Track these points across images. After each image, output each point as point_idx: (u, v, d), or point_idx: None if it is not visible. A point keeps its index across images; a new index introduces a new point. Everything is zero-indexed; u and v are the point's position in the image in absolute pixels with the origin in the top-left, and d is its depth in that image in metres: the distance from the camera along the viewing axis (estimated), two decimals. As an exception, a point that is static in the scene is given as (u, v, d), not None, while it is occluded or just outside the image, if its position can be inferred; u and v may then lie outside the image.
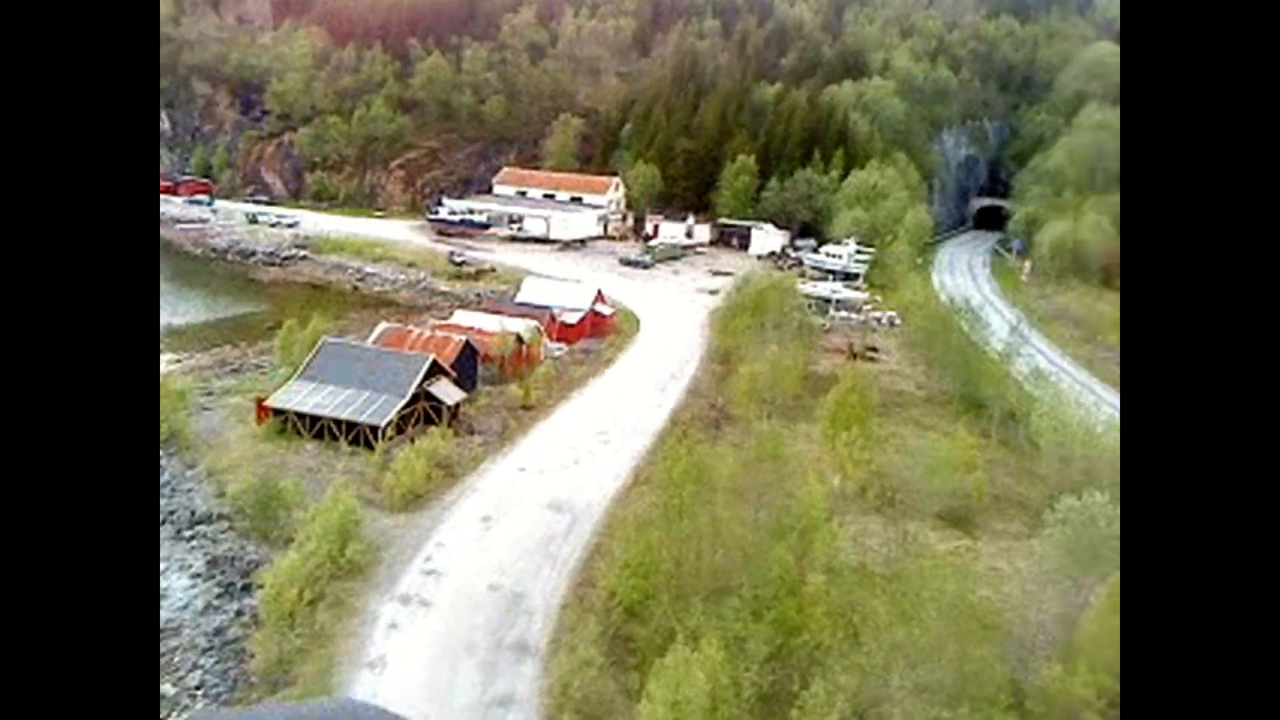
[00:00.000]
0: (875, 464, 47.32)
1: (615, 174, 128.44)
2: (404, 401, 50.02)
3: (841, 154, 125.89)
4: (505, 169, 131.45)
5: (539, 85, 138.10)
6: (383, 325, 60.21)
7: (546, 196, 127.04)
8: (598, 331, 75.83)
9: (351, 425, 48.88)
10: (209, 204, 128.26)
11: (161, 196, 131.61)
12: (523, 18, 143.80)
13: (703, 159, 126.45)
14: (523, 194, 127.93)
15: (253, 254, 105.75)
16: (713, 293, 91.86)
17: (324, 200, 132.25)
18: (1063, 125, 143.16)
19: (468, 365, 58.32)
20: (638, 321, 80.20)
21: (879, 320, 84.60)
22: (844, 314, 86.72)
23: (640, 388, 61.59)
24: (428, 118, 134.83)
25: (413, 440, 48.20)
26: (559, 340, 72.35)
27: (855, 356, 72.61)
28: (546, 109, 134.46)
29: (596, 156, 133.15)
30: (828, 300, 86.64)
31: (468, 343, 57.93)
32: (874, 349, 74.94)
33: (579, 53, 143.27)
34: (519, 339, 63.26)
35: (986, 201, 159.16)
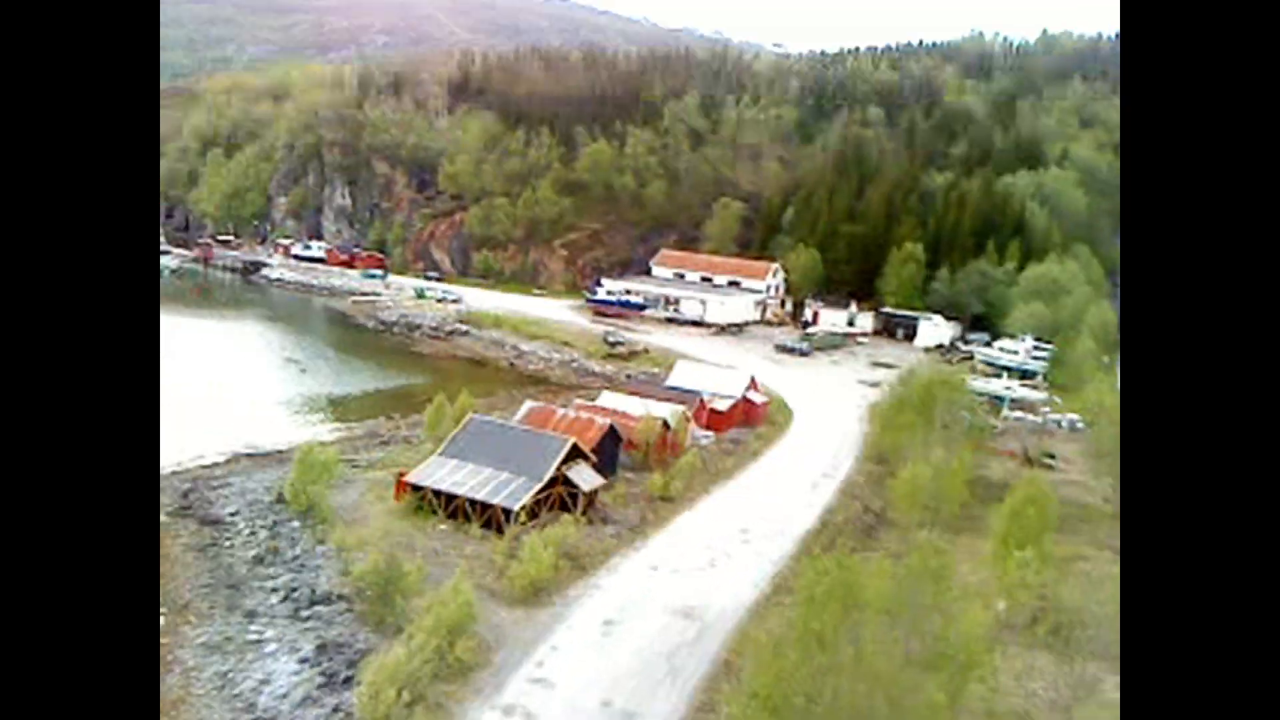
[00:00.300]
0: (1050, 590, 41.46)
1: (775, 259, 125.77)
2: (540, 485, 47.83)
3: (1018, 245, 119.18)
4: (663, 250, 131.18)
5: (700, 170, 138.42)
6: (529, 404, 58.76)
7: (704, 280, 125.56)
8: (749, 420, 72.28)
9: (485, 506, 46.97)
10: (383, 278, 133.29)
11: (338, 269, 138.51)
12: (685, 105, 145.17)
13: (867, 245, 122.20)
14: (680, 276, 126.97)
15: (418, 327, 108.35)
16: (874, 385, 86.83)
17: (489, 277, 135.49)
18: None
19: (609, 450, 55.87)
20: (791, 412, 76.18)
21: (1059, 423, 77.32)
22: (1019, 415, 79.86)
23: (789, 484, 57.43)
24: (591, 200, 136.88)
25: (544, 526, 45.81)
26: (708, 428, 69.21)
27: (1031, 463, 66.03)
28: (707, 194, 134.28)
29: (756, 241, 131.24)
30: (1001, 399, 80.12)
31: (611, 427, 55.57)
32: (1052, 455, 68.01)
33: (740, 139, 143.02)
34: (665, 425, 60.48)
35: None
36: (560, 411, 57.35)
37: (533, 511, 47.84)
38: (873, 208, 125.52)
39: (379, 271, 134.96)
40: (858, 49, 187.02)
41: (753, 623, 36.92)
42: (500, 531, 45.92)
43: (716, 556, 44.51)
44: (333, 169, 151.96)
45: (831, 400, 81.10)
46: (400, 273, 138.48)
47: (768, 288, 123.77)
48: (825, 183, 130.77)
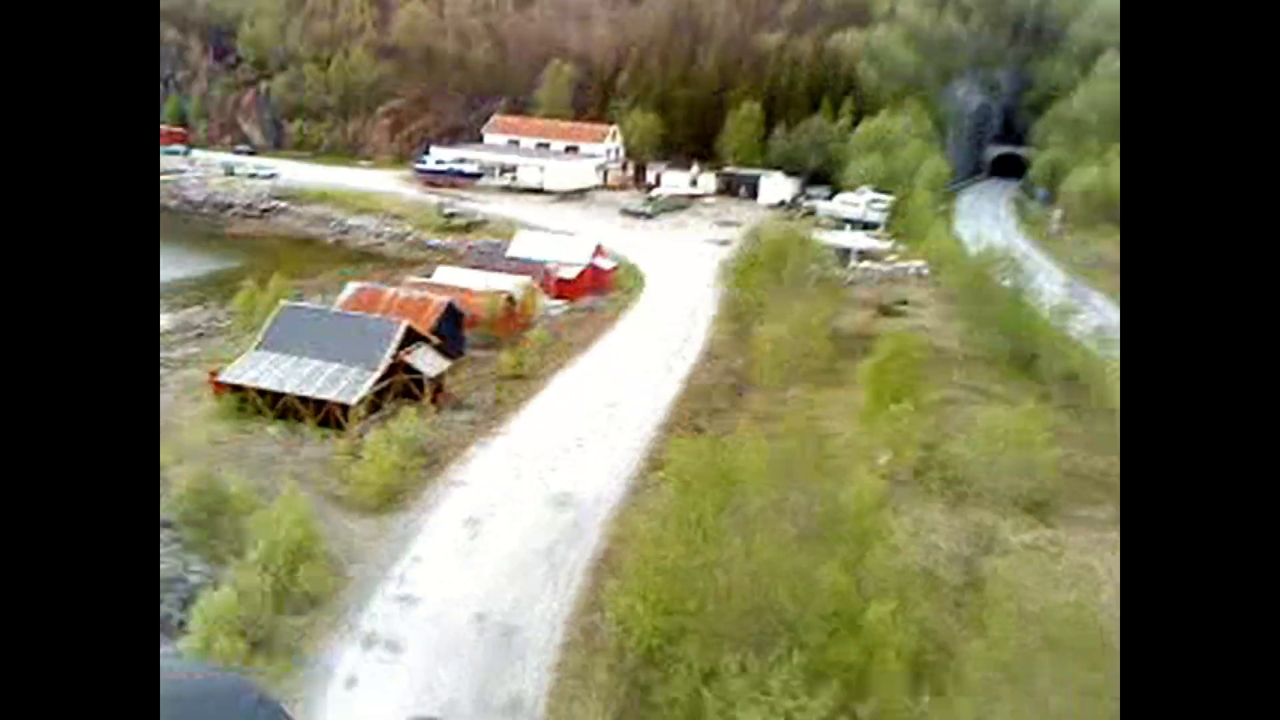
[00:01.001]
0: (928, 439, 40.26)
1: (612, 123, 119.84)
2: (377, 374, 42.66)
3: (851, 103, 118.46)
4: (496, 116, 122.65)
5: (526, 32, 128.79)
6: (353, 285, 52.63)
7: (540, 146, 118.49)
8: (599, 287, 68.29)
9: (319, 403, 41.56)
10: (185, 153, 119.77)
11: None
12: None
13: (704, 107, 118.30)
14: (515, 143, 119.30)
15: (229, 206, 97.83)
16: (722, 244, 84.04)
17: (307, 150, 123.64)
18: (1079, 75, 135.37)
19: (451, 330, 50.85)
20: (642, 277, 72.57)
21: (905, 271, 76.88)
22: (866, 265, 79.13)
23: (648, 351, 54.19)
24: (411, 66, 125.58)
25: (389, 419, 41.04)
26: (557, 298, 64.86)
27: (885, 311, 65.23)
28: (536, 57, 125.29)
29: (592, 106, 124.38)
30: (848, 251, 78.93)
31: (450, 305, 50.40)
32: (904, 302, 67.46)
33: (567, 0, 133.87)
34: (509, 299, 55.73)
35: (1003, 149, 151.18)
36: (391, 291, 51.56)
37: (374, 404, 42.80)
38: (708, 69, 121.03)
39: (180, 147, 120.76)
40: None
41: (631, 506, 33.82)
42: (340, 429, 40.85)
43: (583, 435, 40.96)
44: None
45: (681, 261, 77.91)
46: (206, 149, 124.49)
47: (607, 152, 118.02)
48: (658, 45, 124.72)
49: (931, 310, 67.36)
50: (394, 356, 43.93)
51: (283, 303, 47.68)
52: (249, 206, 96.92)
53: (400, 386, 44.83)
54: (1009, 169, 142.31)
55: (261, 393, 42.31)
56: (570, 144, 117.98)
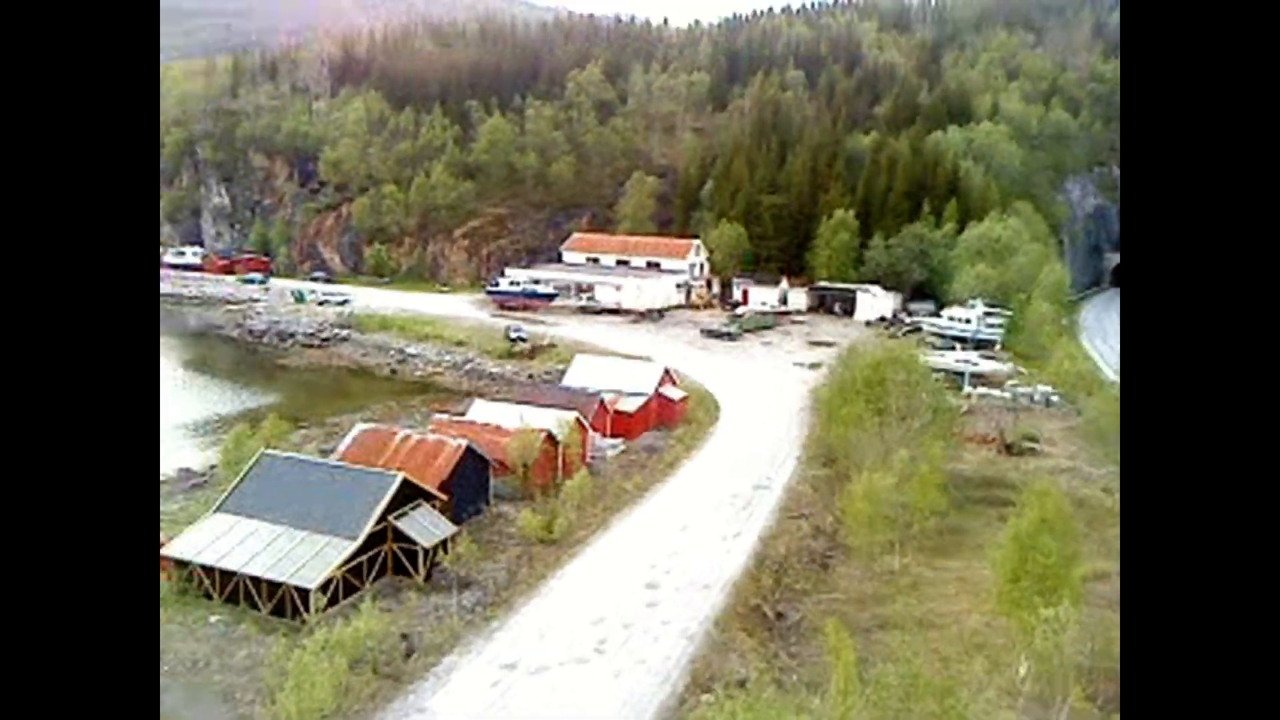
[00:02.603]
0: (1085, 638, 27.86)
1: (696, 236, 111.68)
2: (354, 546, 32.86)
3: (954, 206, 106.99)
4: (575, 235, 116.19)
5: (609, 145, 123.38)
6: (360, 427, 43.61)
7: (620, 263, 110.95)
8: (666, 420, 57.97)
9: (273, 585, 31.87)
10: (263, 282, 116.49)
11: (216, 277, 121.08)
12: (589, 75, 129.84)
13: (794, 216, 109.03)
14: (594, 261, 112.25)
15: (291, 336, 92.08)
16: (812, 367, 73.12)
17: (383, 275, 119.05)
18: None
19: (473, 479, 41.13)
20: (718, 407, 61.96)
21: (1030, 398, 64.23)
22: (983, 391, 66.69)
23: (714, 504, 43.09)
24: (491, 184, 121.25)
25: (368, 604, 31.04)
26: (614, 434, 54.70)
27: (1010, 450, 52.78)
28: (618, 170, 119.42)
29: (675, 219, 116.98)
30: (961, 374, 66.90)
31: (468, 449, 40.70)
32: (1033, 438, 54.80)
33: (651, 110, 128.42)
34: (549, 438, 45.76)
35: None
36: (402, 434, 42.22)
37: (348, 584, 32.87)
38: (796, 175, 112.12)
39: (258, 275, 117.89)
40: (771, 9, 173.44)
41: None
42: (300, 620, 30.96)
43: (607, 636, 29.89)
44: (207, 166, 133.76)
45: (765, 389, 67.12)
46: (288, 275, 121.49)
47: (690, 267, 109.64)
48: (744, 151, 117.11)
49: (1067, 448, 54.49)
50: (381, 520, 34.21)
51: (261, 451, 38.75)
52: (311, 335, 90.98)
53: (389, 559, 34.94)
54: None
55: (208, 569, 32.92)
56: (652, 259, 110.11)
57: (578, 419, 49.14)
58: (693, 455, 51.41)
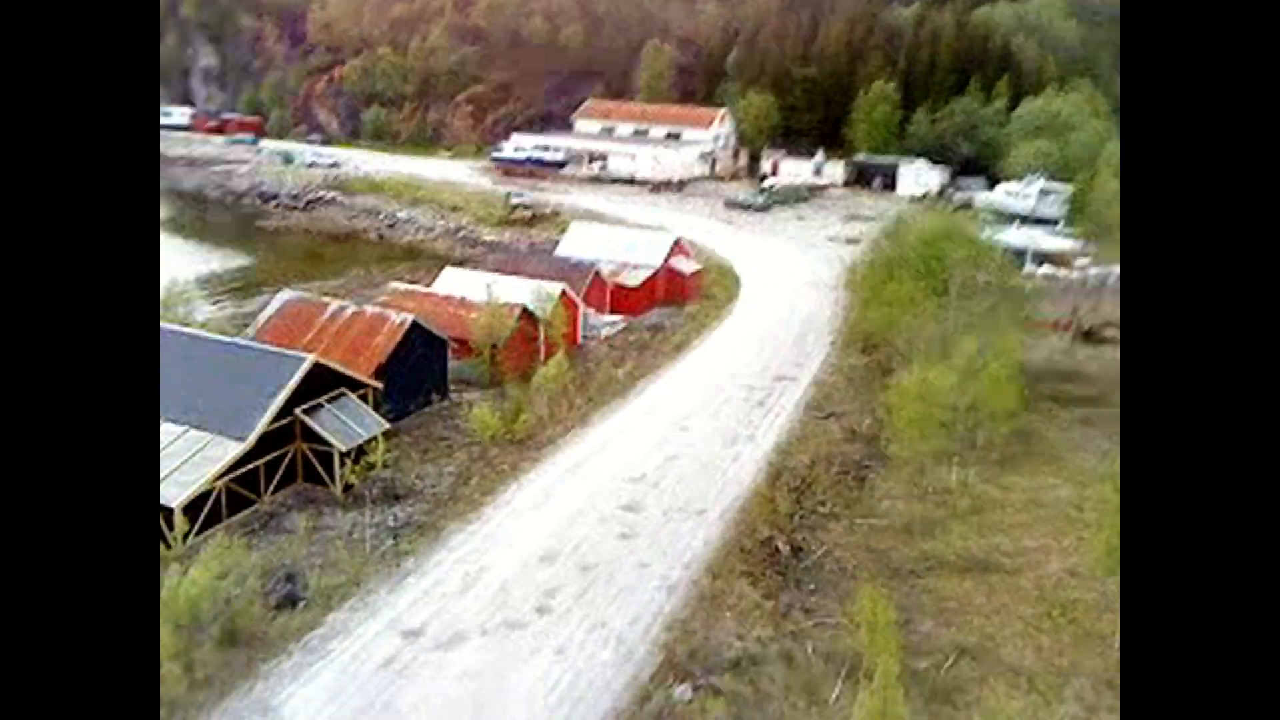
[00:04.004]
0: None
1: (722, 105, 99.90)
2: (241, 448, 24.53)
3: (1006, 83, 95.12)
4: (589, 102, 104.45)
5: (623, 12, 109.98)
6: (284, 296, 34.69)
7: (638, 133, 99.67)
8: (676, 297, 48.85)
9: (132, 493, 23.63)
10: (253, 143, 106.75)
11: (204, 137, 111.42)
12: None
13: (828, 90, 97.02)
14: (609, 131, 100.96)
15: (274, 197, 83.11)
16: (850, 242, 63.23)
17: (385, 140, 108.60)
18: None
19: (421, 364, 32.52)
20: (737, 283, 52.55)
21: (1105, 280, 54.00)
22: (1048, 271, 56.77)
23: (722, 399, 34.24)
24: (496, 49, 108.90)
25: (265, 524, 23.04)
26: (615, 311, 45.80)
27: (1089, 337, 43.39)
28: (633, 38, 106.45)
29: (698, 89, 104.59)
30: (1022, 253, 56.74)
31: (415, 326, 31.90)
32: (1114, 325, 45.19)
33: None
34: (525, 314, 36.89)
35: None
36: (335, 306, 33.30)
37: (236, 499, 24.68)
38: (830, 47, 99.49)
39: (249, 137, 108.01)
40: None
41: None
42: (165, 545, 22.88)
43: (558, 585, 21.51)
44: (191, 25, 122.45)
45: (794, 265, 57.51)
46: (282, 137, 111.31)
47: (715, 138, 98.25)
48: (771, 23, 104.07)
49: (1156, 338, 44.99)
50: (285, 415, 25.79)
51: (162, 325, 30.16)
52: (295, 198, 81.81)
53: (298, 464, 26.66)
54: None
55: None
56: (673, 130, 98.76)
57: (565, 293, 40.10)
58: (704, 337, 42.37)
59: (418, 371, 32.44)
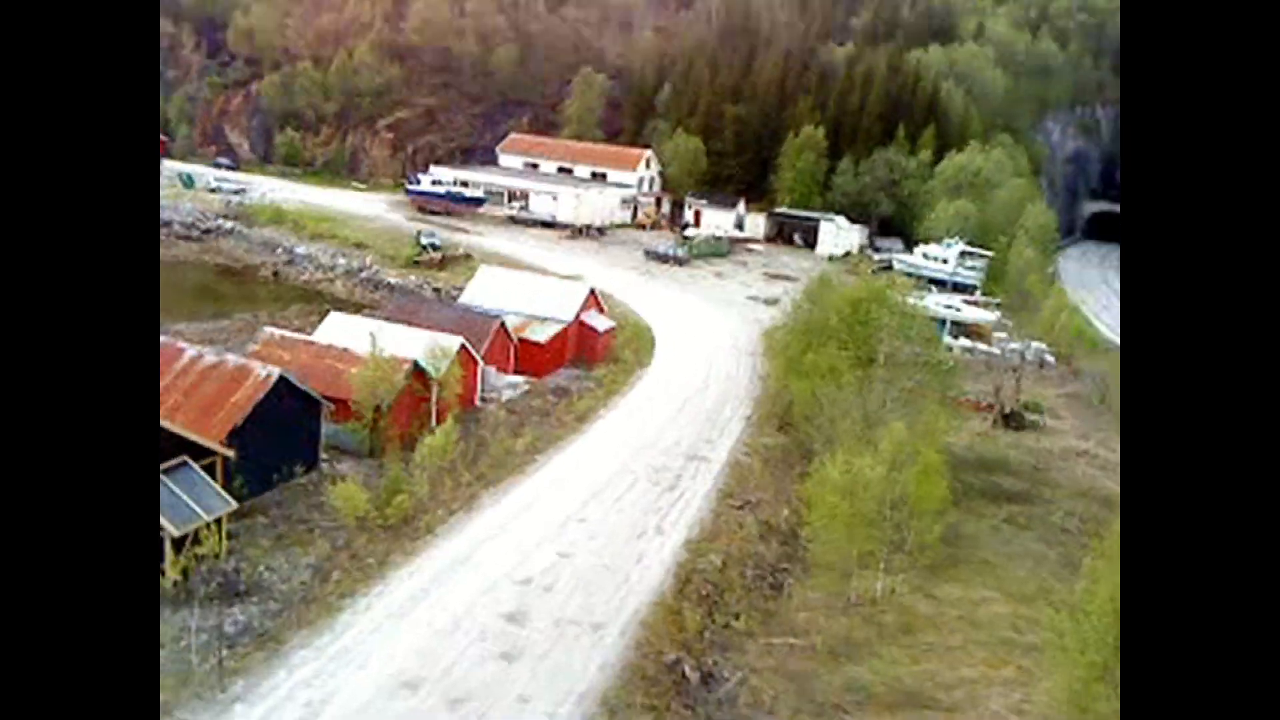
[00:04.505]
0: None
1: (649, 146, 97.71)
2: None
3: (932, 132, 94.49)
4: (513, 135, 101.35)
5: (558, 36, 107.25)
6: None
7: (563, 171, 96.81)
8: (586, 356, 45.51)
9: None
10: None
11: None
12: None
13: (758, 131, 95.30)
14: (534, 167, 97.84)
15: (165, 225, 76.63)
16: (770, 303, 60.93)
17: (298, 166, 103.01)
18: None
19: (285, 428, 28.36)
20: (652, 343, 49.50)
21: (1022, 355, 52.59)
22: (965, 343, 55.21)
23: (628, 481, 30.81)
24: (423, 70, 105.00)
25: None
26: (520, 370, 42.15)
27: (1008, 421, 41.43)
28: (567, 65, 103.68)
29: (626, 126, 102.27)
30: (941, 323, 55.16)
31: (283, 382, 27.75)
32: (1037, 409, 43.45)
33: (609, 1, 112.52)
34: (417, 372, 33.03)
35: (1101, 206, 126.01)
36: (192, 354, 28.87)
37: None
38: (763, 83, 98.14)
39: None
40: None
41: None
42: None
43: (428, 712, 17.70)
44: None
45: (711, 324, 54.84)
46: (186, 159, 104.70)
47: (640, 181, 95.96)
48: (708, 53, 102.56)
49: (1075, 422, 43.36)
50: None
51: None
52: (190, 226, 75.97)
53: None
54: (1106, 231, 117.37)
55: None
56: (598, 169, 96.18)
57: (464, 347, 36.37)
58: (613, 404, 39.03)
59: (283, 437, 28.27)
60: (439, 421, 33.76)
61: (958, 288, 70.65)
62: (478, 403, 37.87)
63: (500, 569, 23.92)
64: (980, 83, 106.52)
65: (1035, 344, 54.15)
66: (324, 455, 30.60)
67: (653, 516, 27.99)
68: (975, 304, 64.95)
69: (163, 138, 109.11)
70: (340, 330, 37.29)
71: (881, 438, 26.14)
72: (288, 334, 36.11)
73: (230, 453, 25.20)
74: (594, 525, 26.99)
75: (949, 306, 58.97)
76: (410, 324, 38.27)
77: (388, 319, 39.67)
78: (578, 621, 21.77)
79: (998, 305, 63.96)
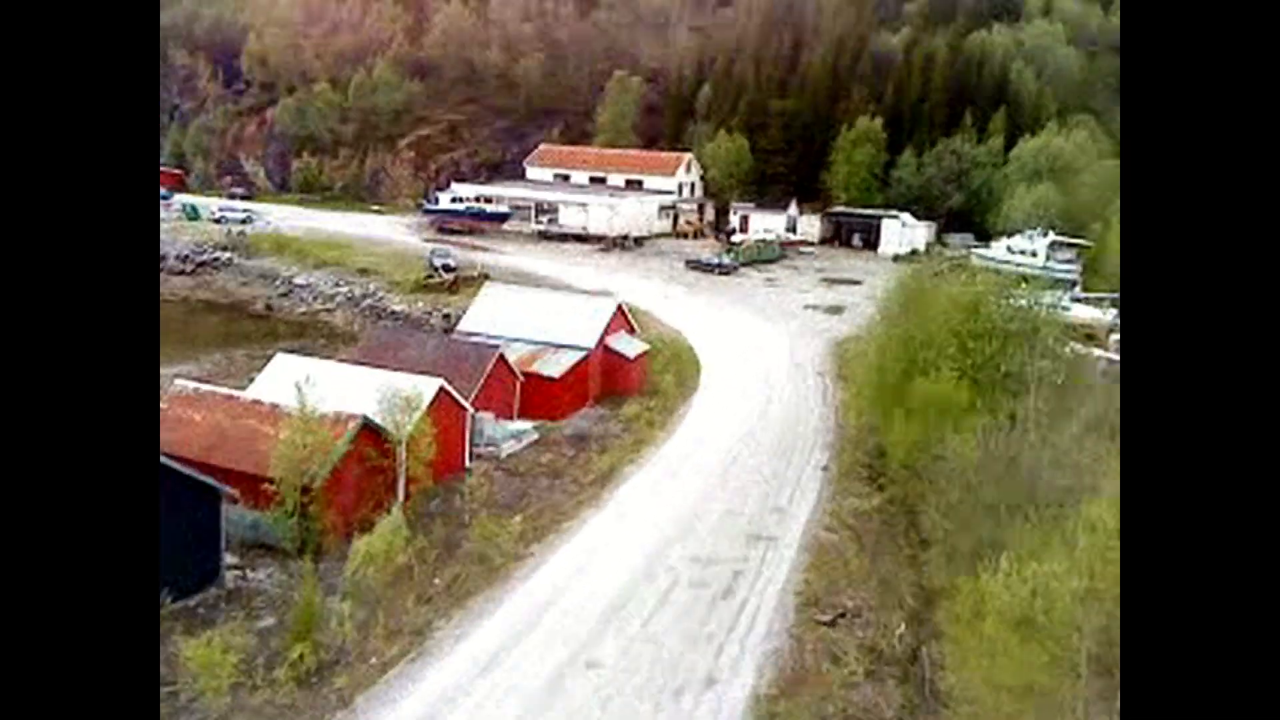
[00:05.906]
0: None
1: (689, 150, 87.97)
2: None
3: (1002, 118, 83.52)
4: (542, 146, 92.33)
5: (589, 42, 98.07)
6: None
7: (595, 181, 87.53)
8: (615, 388, 35.72)
9: None
10: (166, 197, 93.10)
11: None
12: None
13: (808, 126, 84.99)
14: (564, 178, 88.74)
15: (160, 259, 69.19)
16: (833, 311, 50.57)
17: (316, 193, 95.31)
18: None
19: (179, 524, 18.78)
20: (697, 368, 39.41)
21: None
22: (1079, 348, 44.03)
23: (661, 590, 20.67)
24: (446, 85, 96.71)
25: None
26: (528, 413, 32.44)
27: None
28: (599, 72, 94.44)
29: (665, 131, 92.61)
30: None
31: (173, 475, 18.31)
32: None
33: (641, 3, 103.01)
34: (367, 432, 23.48)
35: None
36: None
37: None
38: (812, 76, 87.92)
39: (164, 191, 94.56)
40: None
41: None
42: None
43: None
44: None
45: (768, 341, 44.59)
46: (205, 191, 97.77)
47: (679, 188, 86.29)
48: (750, 48, 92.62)
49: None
50: None
51: None
52: (184, 259, 68.15)
53: None
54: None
55: None
56: (633, 177, 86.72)
57: (444, 392, 26.74)
58: (645, 457, 28.88)
59: (165, 537, 18.83)
60: (407, 497, 24.29)
61: (1057, 283, 59.51)
62: (469, 464, 28.21)
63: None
64: (1052, 62, 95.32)
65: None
66: (233, 560, 21.19)
67: (700, 651, 17.84)
68: (1079, 301, 53.81)
69: (178, 170, 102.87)
70: (288, 377, 27.93)
71: (1071, 519, 15.79)
72: (204, 387, 26.81)
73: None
74: (609, 674, 16.94)
75: (1063, 308, 47.80)
76: (377, 364, 28.83)
77: (357, 359, 30.32)
78: None
79: (1111, 303, 52.62)
